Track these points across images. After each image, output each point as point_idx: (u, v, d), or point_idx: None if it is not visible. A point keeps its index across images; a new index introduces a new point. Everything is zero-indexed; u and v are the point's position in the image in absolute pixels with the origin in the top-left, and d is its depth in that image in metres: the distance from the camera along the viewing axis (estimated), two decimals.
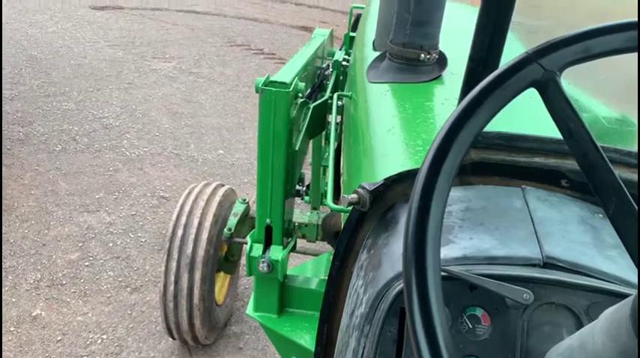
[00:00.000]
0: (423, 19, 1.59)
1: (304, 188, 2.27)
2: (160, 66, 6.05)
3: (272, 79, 1.60)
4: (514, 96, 0.61)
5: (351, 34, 2.93)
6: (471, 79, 0.97)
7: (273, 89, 1.57)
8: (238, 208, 2.29)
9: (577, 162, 0.59)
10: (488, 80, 0.61)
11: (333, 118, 1.83)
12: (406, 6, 1.59)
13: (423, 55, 1.61)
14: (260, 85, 1.58)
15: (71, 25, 7.20)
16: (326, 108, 1.98)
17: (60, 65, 5.75)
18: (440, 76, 1.63)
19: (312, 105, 1.89)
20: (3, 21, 5.95)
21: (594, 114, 1.46)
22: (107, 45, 6.55)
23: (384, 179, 0.91)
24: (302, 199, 2.47)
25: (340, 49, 2.83)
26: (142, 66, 5.99)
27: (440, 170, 0.56)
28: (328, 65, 2.46)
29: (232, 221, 2.22)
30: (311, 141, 2.31)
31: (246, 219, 2.30)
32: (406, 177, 0.90)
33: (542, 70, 0.61)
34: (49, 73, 5.50)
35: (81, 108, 4.80)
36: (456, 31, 1.66)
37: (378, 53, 1.82)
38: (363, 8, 3.01)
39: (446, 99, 1.51)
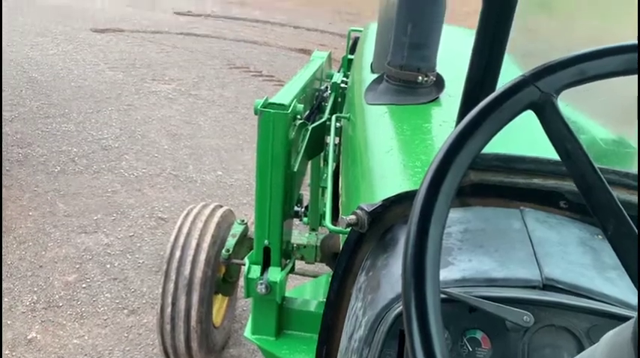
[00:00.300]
0: (421, 41, 1.61)
1: (303, 209, 2.28)
2: (159, 88, 6.09)
3: (271, 100, 1.61)
4: (511, 119, 0.61)
5: (349, 56, 2.95)
6: (468, 101, 0.98)
7: (272, 111, 1.58)
8: (236, 229, 2.28)
9: (575, 183, 0.59)
10: (486, 102, 0.61)
11: (331, 140, 1.84)
12: (403, 29, 1.61)
13: (420, 77, 1.63)
14: (259, 107, 1.59)
15: (72, 47, 7.26)
16: (324, 129, 1.99)
17: (60, 87, 5.78)
18: (437, 98, 1.65)
19: (310, 127, 1.90)
20: (3, 43, 5.99)
21: (592, 135, 1.47)
22: (107, 67, 6.60)
23: (383, 200, 0.91)
24: (300, 220, 2.47)
25: (338, 72, 2.85)
26: (141, 88, 6.02)
27: (439, 191, 0.56)
28: (327, 87, 2.47)
29: (230, 242, 2.21)
30: (309, 163, 2.32)
31: (244, 240, 2.29)
32: (405, 199, 0.90)
33: (539, 93, 0.61)
34: (49, 95, 5.52)
35: (80, 130, 4.81)
36: (453, 54, 1.68)
37: (375, 75, 1.84)
38: (361, 31, 3.05)
39: (444, 121, 1.52)
